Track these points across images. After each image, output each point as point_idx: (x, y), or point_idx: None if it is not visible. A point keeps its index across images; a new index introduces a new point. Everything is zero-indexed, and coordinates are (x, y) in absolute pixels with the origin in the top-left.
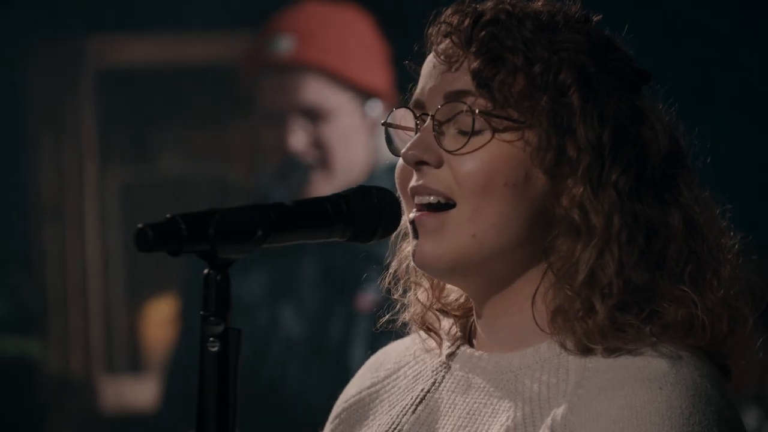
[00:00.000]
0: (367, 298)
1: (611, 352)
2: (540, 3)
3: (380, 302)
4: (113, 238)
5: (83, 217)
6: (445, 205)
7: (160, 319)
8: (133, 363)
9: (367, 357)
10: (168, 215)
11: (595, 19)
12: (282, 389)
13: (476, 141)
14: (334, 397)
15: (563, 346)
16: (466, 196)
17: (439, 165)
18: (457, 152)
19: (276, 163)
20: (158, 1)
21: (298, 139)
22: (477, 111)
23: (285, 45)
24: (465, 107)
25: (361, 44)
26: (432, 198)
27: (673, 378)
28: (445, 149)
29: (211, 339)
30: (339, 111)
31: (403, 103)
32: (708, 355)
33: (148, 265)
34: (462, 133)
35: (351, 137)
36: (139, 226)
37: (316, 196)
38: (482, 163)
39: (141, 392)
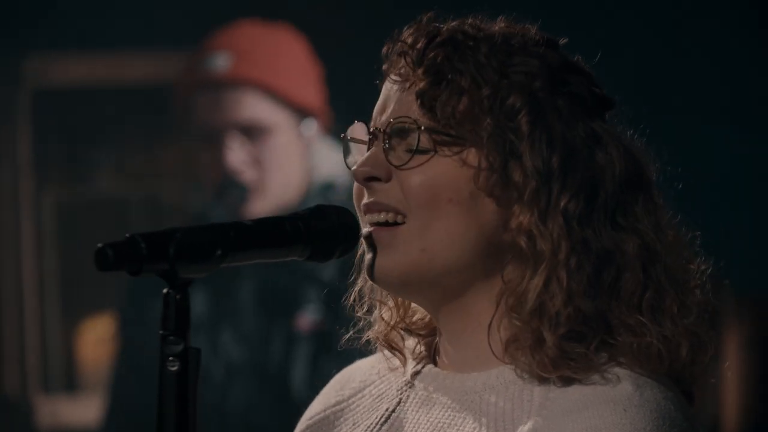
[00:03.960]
0: (306, 319)
1: (566, 381)
2: (502, 25)
3: (320, 323)
4: (49, 257)
5: (19, 236)
6: (394, 223)
7: (95, 339)
8: (69, 382)
9: (308, 378)
10: (127, 234)
11: (561, 42)
12: (223, 413)
13: (421, 157)
14: (277, 418)
15: (519, 375)
16: (413, 210)
17: (388, 179)
18: (402, 167)
19: (213, 182)
20: (94, 21)
21: (236, 157)
22: (422, 128)
23: (221, 62)
24: (410, 121)
25: (296, 63)
26: (382, 216)
27: (638, 400)
28: (391, 164)
29: (171, 358)
30: (276, 129)
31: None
32: (672, 380)
33: (84, 284)
34: (409, 150)
35: (288, 156)
36: (99, 245)
37: (275, 215)
38: (426, 178)
39: (76, 412)
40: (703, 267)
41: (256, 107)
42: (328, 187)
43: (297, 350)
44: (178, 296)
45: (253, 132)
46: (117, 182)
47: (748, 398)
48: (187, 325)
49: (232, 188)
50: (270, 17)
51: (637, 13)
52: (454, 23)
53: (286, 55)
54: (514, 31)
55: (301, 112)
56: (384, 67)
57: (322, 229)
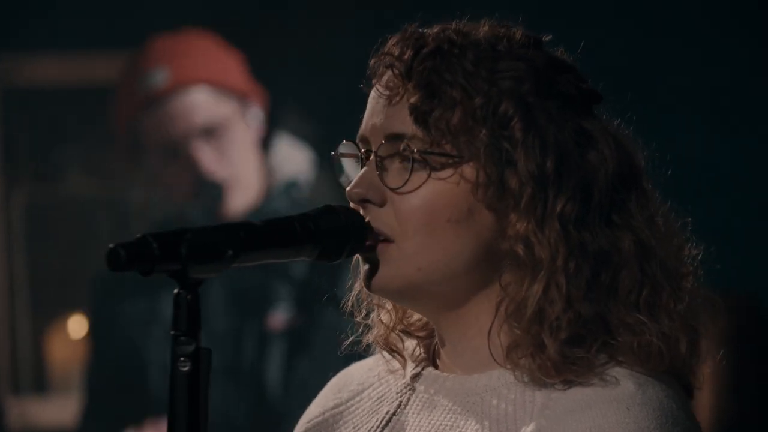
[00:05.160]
0: (278, 318)
1: (568, 382)
2: (486, 29)
3: (292, 321)
4: (18, 257)
5: None
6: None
7: (65, 340)
8: (39, 383)
9: (282, 376)
10: (138, 234)
11: (545, 39)
12: None
13: (416, 179)
14: (254, 418)
15: (520, 378)
16: (409, 233)
17: (382, 203)
18: (398, 190)
19: (185, 189)
20: (65, 20)
21: (207, 157)
22: (415, 150)
23: (160, 76)
24: (403, 142)
25: (224, 54)
26: (379, 238)
27: (640, 399)
28: (387, 186)
29: (182, 359)
30: (229, 122)
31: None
32: (671, 376)
33: (53, 284)
34: (403, 170)
35: (244, 149)
36: (111, 245)
37: (284, 216)
38: (423, 201)
39: (46, 413)
40: (694, 252)
41: (206, 105)
42: (291, 185)
43: (270, 349)
44: (188, 297)
45: (210, 131)
46: (87, 183)
47: (720, 398)
48: (198, 326)
49: (207, 188)
50: (244, 15)
51: (621, 7)
52: (437, 29)
53: (211, 50)
54: (499, 34)
55: (244, 100)
56: (373, 81)
57: (331, 228)
